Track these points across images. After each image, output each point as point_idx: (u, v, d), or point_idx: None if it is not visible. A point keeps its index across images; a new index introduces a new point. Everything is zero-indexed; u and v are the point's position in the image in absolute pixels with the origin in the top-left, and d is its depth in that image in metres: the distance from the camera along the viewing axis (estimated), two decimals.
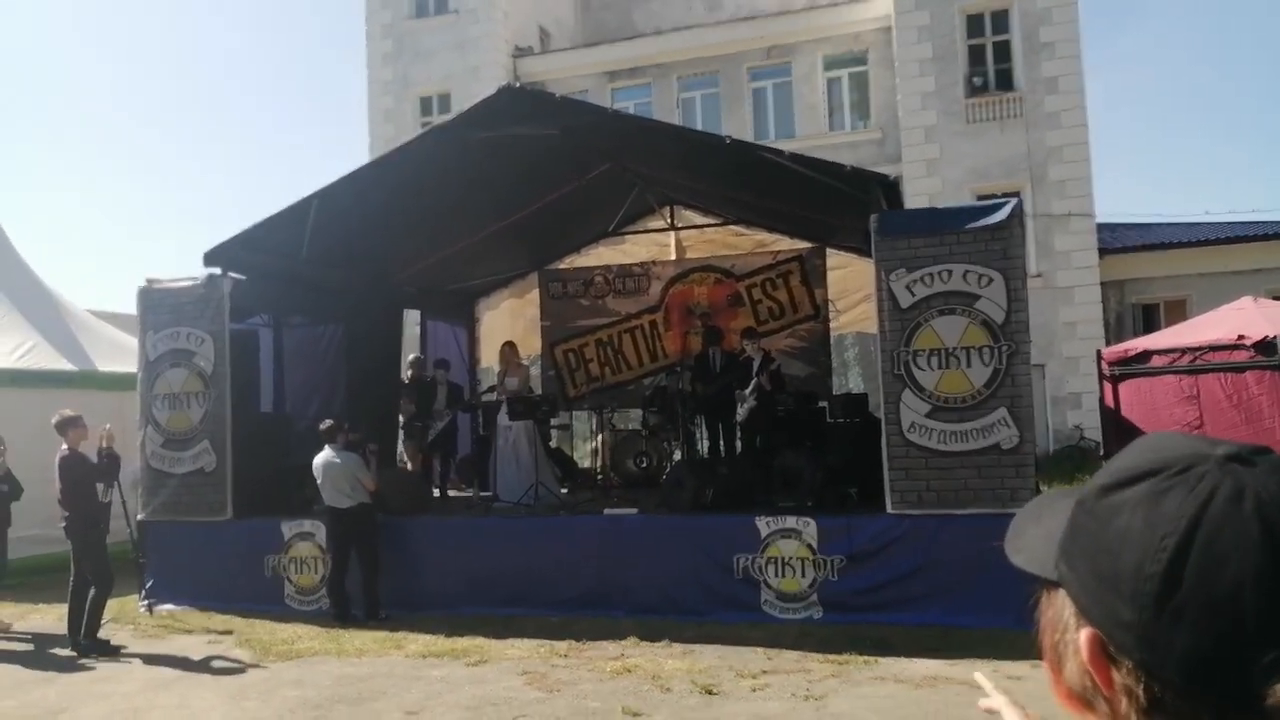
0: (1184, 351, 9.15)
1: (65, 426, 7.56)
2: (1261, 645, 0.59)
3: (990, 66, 18.63)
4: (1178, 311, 16.81)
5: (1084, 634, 0.67)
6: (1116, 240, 18.61)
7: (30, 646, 7.81)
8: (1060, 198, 17.76)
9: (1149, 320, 17.81)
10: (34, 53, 62.07)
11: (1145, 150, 49.15)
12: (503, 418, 9.95)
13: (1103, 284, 17.72)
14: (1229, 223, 18.44)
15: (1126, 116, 48.91)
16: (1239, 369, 8.72)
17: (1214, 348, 8.95)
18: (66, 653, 7.40)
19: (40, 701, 6.21)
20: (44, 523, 8.88)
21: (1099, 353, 10.27)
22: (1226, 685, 0.60)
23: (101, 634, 7.56)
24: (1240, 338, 8.79)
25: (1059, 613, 0.71)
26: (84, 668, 7.07)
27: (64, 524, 7.53)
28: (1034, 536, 0.75)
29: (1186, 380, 9.05)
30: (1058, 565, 0.71)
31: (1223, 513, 0.62)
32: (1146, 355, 9.50)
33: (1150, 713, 0.64)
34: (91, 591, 7.42)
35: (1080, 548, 0.69)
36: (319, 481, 8.25)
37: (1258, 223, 18.15)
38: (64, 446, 7.55)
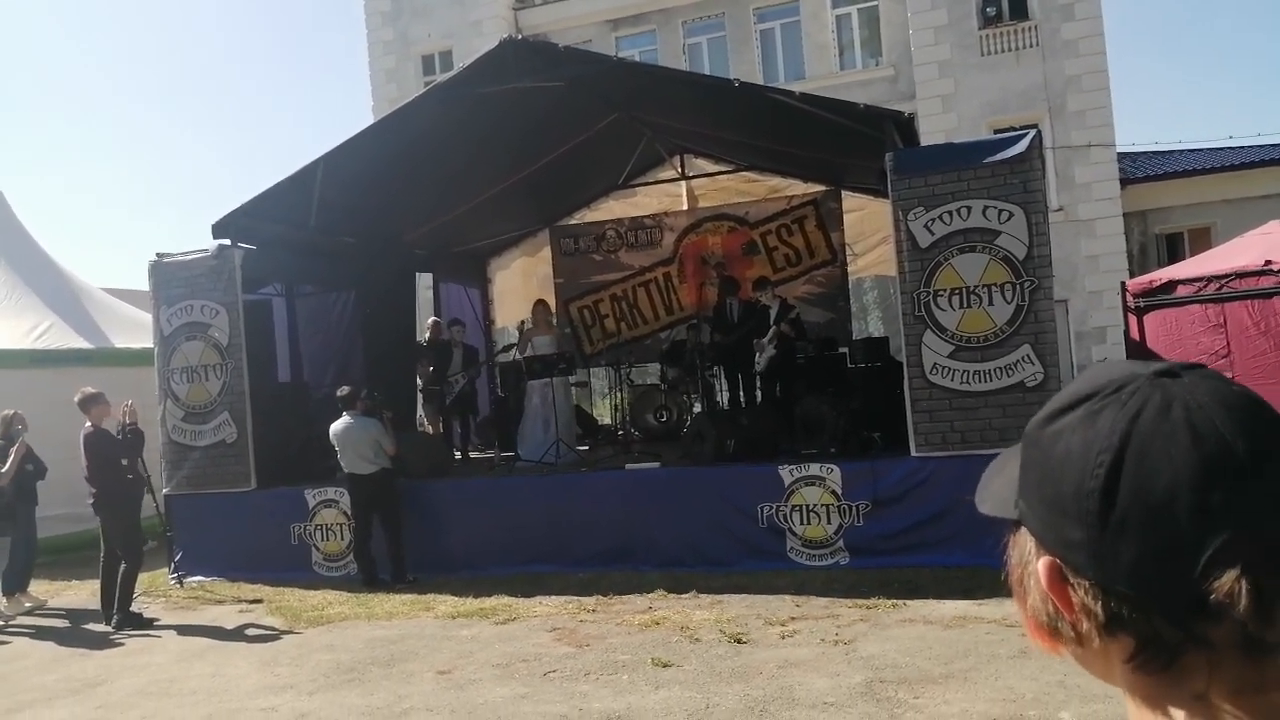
0: (1210, 280, 8.92)
1: (88, 404, 7.61)
2: (1200, 545, 0.61)
3: None
4: (1202, 240, 16.44)
5: (1042, 562, 0.69)
6: (1138, 169, 18.17)
7: (65, 622, 7.93)
8: (1080, 128, 17.31)
9: (1173, 250, 17.44)
10: (27, 34, 61.75)
11: (1167, 77, 47.97)
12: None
13: (1125, 215, 17.34)
14: (1253, 146, 17.95)
15: (1145, 42, 47.68)
16: (1266, 295, 8.50)
17: (1240, 274, 8.72)
18: (101, 627, 7.52)
19: (79, 675, 6.30)
20: (70, 501, 8.96)
21: (1123, 285, 10.03)
22: (1173, 588, 0.62)
23: (134, 607, 7.66)
24: (1267, 263, 8.55)
25: (1022, 549, 0.73)
26: (119, 641, 7.17)
27: (91, 501, 7.60)
28: (998, 484, 0.77)
29: (1213, 309, 8.83)
30: (1016, 504, 0.73)
31: (1152, 424, 0.64)
32: (1171, 285, 9.26)
33: (1110, 628, 0.66)
34: (122, 566, 7.51)
35: (1030, 480, 0.71)
36: (338, 449, 8.26)
37: None
38: (88, 424, 7.60)
